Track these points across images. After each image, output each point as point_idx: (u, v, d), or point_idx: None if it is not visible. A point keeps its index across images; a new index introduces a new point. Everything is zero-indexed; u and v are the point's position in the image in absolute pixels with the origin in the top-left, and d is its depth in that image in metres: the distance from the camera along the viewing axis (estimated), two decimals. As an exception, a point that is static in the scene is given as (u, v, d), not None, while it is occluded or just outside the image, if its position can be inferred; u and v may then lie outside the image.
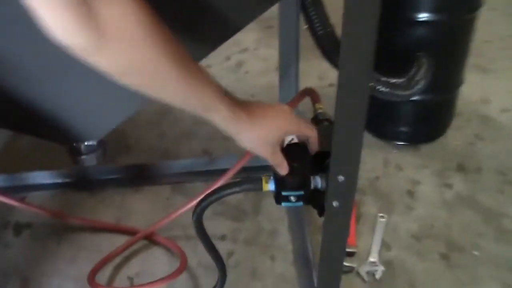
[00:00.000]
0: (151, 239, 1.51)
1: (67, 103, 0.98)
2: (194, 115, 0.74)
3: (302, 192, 0.90)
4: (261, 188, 0.91)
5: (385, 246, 1.46)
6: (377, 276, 1.38)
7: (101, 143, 1.20)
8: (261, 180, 0.91)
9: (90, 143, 1.16)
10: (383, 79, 1.37)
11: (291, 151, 0.90)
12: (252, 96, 1.93)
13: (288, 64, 1.48)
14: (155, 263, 1.46)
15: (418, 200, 1.57)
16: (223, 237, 1.51)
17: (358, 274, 1.39)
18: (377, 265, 1.40)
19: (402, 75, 1.40)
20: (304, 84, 1.72)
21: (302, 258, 1.44)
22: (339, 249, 0.99)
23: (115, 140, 1.80)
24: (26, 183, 1.67)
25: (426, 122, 1.73)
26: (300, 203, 0.92)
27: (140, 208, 1.60)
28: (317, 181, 0.91)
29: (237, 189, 0.93)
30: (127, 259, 1.47)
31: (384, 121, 1.72)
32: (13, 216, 1.58)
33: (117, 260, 1.46)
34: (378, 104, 1.41)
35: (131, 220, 1.57)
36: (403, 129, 1.72)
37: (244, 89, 1.96)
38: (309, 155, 0.92)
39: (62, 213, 1.55)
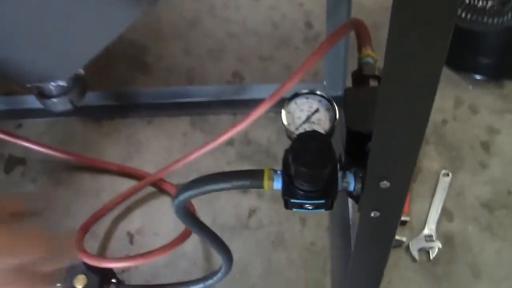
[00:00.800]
0: (159, 187, 1.25)
1: (21, 35, 0.71)
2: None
3: (322, 201, 0.60)
4: (261, 186, 0.62)
5: (446, 215, 1.15)
6: (432, 255, 1.09)
7: (78, 81, 0.91)
8: (262, 174, 0.61)
9: (60, 83, 0.87)
10: (467, 1, 1.01)
11: (303, 145, 0.59)
12: (301, 5, 1.57)
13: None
14: (161, 217, 1.22)
15: (494, 155, 1.23)
16: (246, 190, 1.24)
17: (408, 250, 1.10)
18: (433, 241, 1.11)
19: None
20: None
21: (339, 226, 1.15)
22: (375, 272, 0.71)
23: (132, 56, 1.52)
24: (24, 107, 1.41)
25: (517, 52, 1.35)
26: (321, 210, 0.63)
27: (151, 145, 1.34)
28: (349, 180, 0.60)
29: (227, 185, 0.63)
30: (129, 210, 1.23)
31: (460, 47, 1.34)
32: (6, 147, 1.35)
33: (118, 210, 1.22)
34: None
35: (140, 160, 1.31)
36: (484, 59, 1.34)
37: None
38: (332, 148, 0.60)
39: (60, 150, 1.30)
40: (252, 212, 1.20)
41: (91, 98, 1.41)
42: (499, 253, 1.09)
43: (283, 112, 0.67)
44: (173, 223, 1.19)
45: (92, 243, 1.18)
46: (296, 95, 0.68)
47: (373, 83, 0.69)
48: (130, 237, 1.19)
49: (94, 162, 1.30)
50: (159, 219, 1.21)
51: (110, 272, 1.05)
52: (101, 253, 1.17)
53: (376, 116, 0.48)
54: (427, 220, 1.13)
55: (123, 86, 1.45)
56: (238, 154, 1.29)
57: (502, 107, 1.30)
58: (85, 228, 1.14)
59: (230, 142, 1.30)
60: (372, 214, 0.60)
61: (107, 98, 1.42)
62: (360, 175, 0.59)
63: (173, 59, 1.52)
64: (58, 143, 1.33)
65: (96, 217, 1.18)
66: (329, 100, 0.67)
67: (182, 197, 0.67)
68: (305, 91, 0.68)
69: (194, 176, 1.25)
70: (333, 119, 0.67)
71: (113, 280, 1.06)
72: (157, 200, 1.24)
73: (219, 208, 1.21)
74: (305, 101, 0.68)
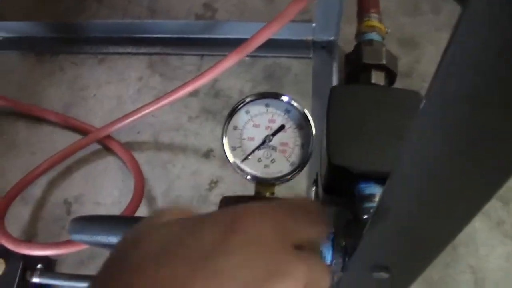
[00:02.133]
0: (105, 145, 1.04)
1: None
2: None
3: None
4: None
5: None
6: None
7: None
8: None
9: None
10: None
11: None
12: None
13: None
14: (105, 182, 1.01)
15: None
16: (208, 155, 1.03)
17: None
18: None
19: None
20: None
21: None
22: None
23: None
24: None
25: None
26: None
27: (100, 90, 1.11)
28: (323, 251, 0.39)
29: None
30: (68, 171, 1.03)
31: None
32: None
33: (55, 171, 1.01)
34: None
35: (86, 108, 1.09)
36: None
37: None
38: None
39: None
40: (213, 183, 0.99)
41: (34, 28, 1.18)
42: (510, 259, 0.90)
43: (225, 131, 0.42)
44: (117, 192, 0.99)
45: (22, 211, 0.98)
46: (247, 100, 0.43)
47: (377, 77, 0.46)
48: (68, 206, 0.99)
49: (31, 109, 1.07)
50: (101, 185, 1.00)
51: (35, 256, 0.86)
52: (32, 224, 0.97)
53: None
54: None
55: (72, 15, 1.21)
56: (202, 107, 1.07)
57: None
58: (10, 197, 0.93)
59: (194, 92, 1.07)
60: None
61: (53, 28, 1.18)
62: (343, 244, 0.38)
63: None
64: (-12, 83, 1.11)
65: (28, 180, 0.97)
66: (302, 113, 0.42)
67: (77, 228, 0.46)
68: (263, 92, 0.43)
69: (147, 133, 1.06)
70: (307, 143, 0.42)
71: (39, 266, 0.87)
72: (102, 161, 1.03)
73: (174, 176, 1.00)
74: (263, 110, 0.44)
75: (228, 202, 0.42)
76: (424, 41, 1.08)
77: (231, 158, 0.44)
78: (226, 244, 0.27)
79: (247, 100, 0.44)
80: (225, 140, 0.43)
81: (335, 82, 1.03)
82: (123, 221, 0.44)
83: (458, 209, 0.26)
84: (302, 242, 0.30)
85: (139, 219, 0.47)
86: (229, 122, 0.44)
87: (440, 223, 0.28)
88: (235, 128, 0.44)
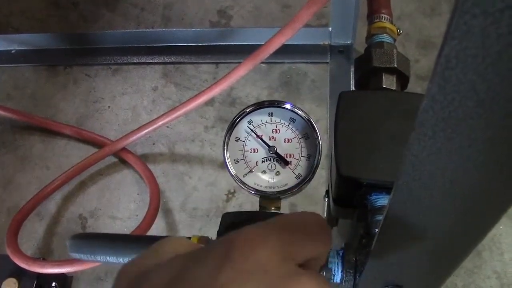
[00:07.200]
0: (120, 157, 1.02)
1: None
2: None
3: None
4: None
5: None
6: None
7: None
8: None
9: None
10: None
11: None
12: None
13: None
14: (121, 196, 0.99)
15: None
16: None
17: None
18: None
19: None
20: None
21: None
22: None
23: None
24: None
25: None
26: None
27: (115, 102, 1.10)
28: (333, 268, 0.36)
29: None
30: (83, 185, 1.01)
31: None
32: None
33: (70, 185, 1.00)
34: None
35: (100, 120, 1.08)
36: None
37: None
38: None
39: (4, 107, 1.06)
40: (231, 194, 0.97)
41: (46, 40, 1.17)
42: None
43: (226, 143, 0.39)
44: (133, 205, 0.97)
45: (37, 226, 0.97)
46: (247, 110, 0.40)
47: (388, 81, 0.43)
48: (83, 220, 0.97)
49: (45, 123, 1.06)
50: (117, 199, 0.99)
51: (49, 274, 0.84)
52: (47, 240, 0.96)
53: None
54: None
55: (85, 26, 1.20)
56: (218, 117, 1.05)
57: None
58: (25, 213, 0.92)
59: (209, 101, 1.05)
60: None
61: (65, 40, 1.17)
62: (353, 260, 0.35)
63: (149, -9, 1.25)
64: (3, 97, 1.10)
65: (42, 195, 0.96)
66: (307, 121, 0.39)
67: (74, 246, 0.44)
68: (263, 101, 0.40)
69: (163, 144, 1.04)
70: (313, 155, 0.39)
71: (53, 284, 0.86)
72: (117, 174, 1.02)
73: (191, 188, 0.98)
74: (266, 119, 0.42)
75: (228, 219, 0.39)
76: (444, 42, 1.04)
77: (233, 172, 0.41)
78: (225, 276, 0.25)
79: (248, 110, 0.41)
80: (226, 153, 0.41)
81: (353, 87, 1.01)
82: (122, 240, 0.42)
83: (475, 216, 0.24)
84: (304, 260, 0.28)
85: (139, 238, 0.45)
86: (230, 134, 0.41)
87: (455, 233, 0.26)
88: (237, 139, 0.41)
